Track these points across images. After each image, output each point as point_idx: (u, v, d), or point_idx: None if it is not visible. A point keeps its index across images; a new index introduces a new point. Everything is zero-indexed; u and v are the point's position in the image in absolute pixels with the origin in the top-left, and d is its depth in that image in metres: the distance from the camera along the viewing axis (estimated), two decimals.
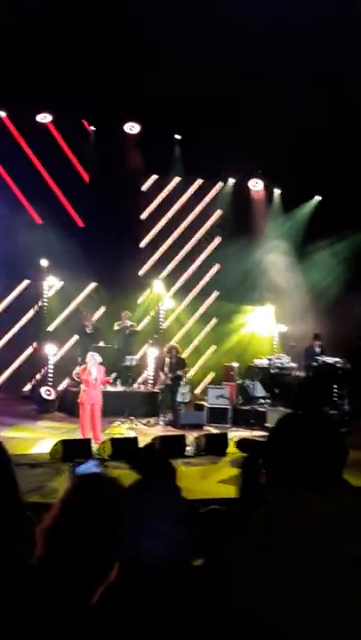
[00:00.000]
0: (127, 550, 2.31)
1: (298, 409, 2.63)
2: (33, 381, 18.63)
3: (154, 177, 20.68)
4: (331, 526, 2.13)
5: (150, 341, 19.16)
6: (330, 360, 17.52)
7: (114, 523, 2.45)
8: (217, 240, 21.46)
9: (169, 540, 2.25)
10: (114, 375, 16.82)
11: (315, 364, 17.66)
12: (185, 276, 21.12)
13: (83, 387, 13.87)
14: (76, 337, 18.48)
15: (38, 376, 18.47)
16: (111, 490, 2.67)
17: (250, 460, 4.16)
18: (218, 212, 21.58)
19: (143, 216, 20.72)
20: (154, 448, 11.44)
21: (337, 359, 17.58)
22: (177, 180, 20.92)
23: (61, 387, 17.98)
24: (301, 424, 2.45)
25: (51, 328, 18.99)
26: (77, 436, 13.44)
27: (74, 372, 15.07)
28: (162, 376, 17.12)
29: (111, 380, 15.68)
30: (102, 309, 19.50)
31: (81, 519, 2.59)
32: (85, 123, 19.32)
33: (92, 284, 19.62)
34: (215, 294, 21.41)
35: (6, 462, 2.94)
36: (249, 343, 21.07)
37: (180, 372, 17.08)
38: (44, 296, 18.70)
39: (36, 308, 18.89)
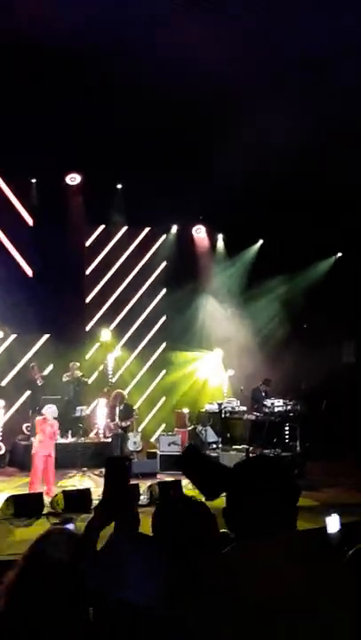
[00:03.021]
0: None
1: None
2: None
3: (97, 227, 20.74)
4: (274, 575, 2.12)
5: (102, 393, 18.84)
6: (278, 402, 17.59)
7: (76, 575, 2.43)
8: (163, 291, 21.59)
9: (140, 591, 2.21)
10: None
11: (264, 406, 17.69)
12: (133, 324, 21.11)
13: (38, 437, 13.76)
14: (22, 390, 18.27)
15: None
16: (73, 543, 2.66)
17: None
18: (163, 261, 21.72)
19: (87, 268, 20.69)
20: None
21: (286, 401, 17.65)
22: (119, 228, 21.03)
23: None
24: (254, 470, 2.46)
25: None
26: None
27: (24, 426, 14.77)
28: (111, 425, 16.97)
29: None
30: (49, 361, 19.22)
31: (45, 574, 2.57)
32: None
33: (43, 337, 19.35)
34: (163, 344, 21.43)
35: None
36: (199, 388, 21.09)
37: (129, 421, 17.01)
38: None
39: None
